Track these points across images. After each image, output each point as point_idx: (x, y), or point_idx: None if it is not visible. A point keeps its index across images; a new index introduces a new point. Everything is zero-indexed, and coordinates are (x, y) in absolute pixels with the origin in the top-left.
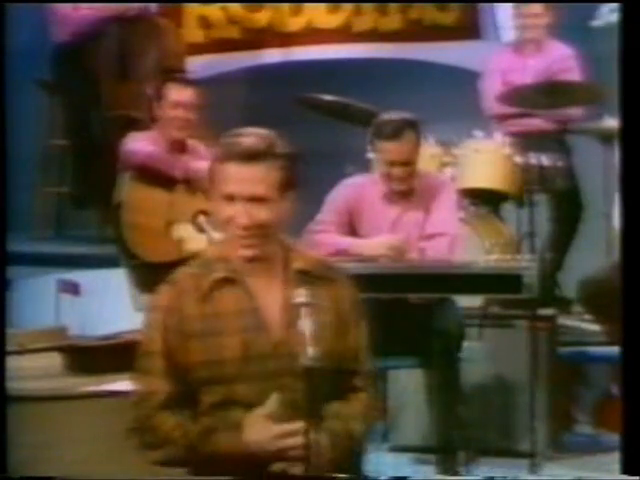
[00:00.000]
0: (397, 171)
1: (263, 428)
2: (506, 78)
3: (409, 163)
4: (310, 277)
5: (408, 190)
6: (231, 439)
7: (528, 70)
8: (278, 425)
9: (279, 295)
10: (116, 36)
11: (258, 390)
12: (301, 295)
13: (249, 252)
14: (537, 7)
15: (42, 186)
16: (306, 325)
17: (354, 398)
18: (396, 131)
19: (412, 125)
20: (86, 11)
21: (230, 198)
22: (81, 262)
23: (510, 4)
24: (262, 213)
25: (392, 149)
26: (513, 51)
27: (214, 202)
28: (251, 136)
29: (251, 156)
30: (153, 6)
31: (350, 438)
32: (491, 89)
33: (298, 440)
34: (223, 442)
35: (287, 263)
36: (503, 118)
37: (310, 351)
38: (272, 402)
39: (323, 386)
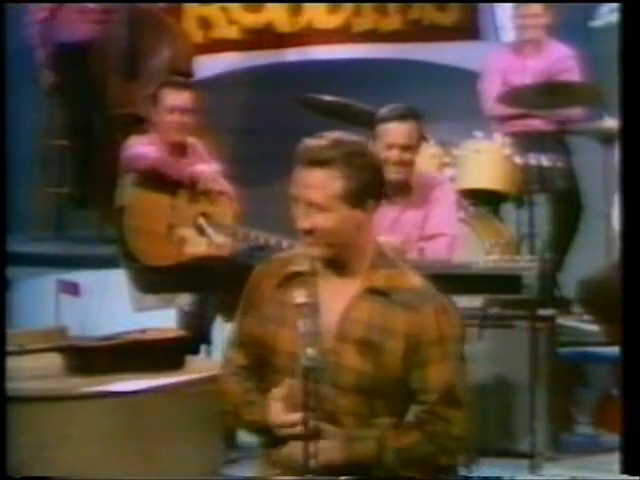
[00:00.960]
0: (395, 154)
1: (274, 412)
2: (506, 78)
3: (408, 148)
4: (384, 299)
5: (405, 183)
6: (261, 413)
7: (528, 70)
8: (284, 414)
9: (342, 305)
10: (125, 34)
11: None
12: (301, 295)
13: (313, 252)
14: (536, 7)
15: (42, 186)
16: (306, 326)
17: (409, 427)
18: (398, 114)
19: (415, 114)
20: (95, 10)
21: (295, 200)
22: (81, 262)
23: (509, 4)
24: (320, 219)
25: (392, 130)
26: (513, 51)
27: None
28: (323, 140)
29: (314, 162)
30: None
31: (374, 456)
32: (490, 90)
33: (299, 430)
34: (256, 414)
35: (362, 276)
36: (503, 119)
37: (309, 352)
38: (284, 387)
39: (364, 403)
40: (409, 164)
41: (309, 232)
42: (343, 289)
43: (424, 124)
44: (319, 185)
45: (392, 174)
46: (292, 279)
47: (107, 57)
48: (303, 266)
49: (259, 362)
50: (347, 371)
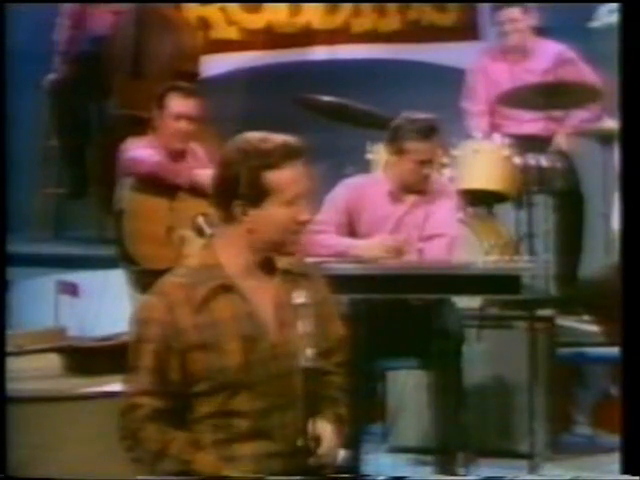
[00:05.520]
0: (427, 171)
1: (206, 462)
2: (492, 86)
3: (431, 162)
4: (292, 275)
5: (423, 191)
6: (186, 463)
7: (517, 77)
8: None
9: (271, 296)
10: (132, 33)
11: (259, 395)
12: (300, 296)
13: (299, 247)
14: (514, 12)
15: (42, 187)
16: (305, 326)
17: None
18: (428, 131)
19: (438, 129)
20: (101, 9)
21: (297, 198)
22: (80, 263)
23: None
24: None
25: (425, 149)
26: (499, 58)
27: (268, 211)
28: (284, 136)
29: (301, 153)
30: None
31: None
32: (475, 96)
33: None
34: (180, 465)
35: (272, 265)
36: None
37: (309, 352)
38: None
39: (318, 382)
40: (430, 176)
41: (307, 223)
42: (261, 280)
43: (444, 137)
44: (306, 177)
45: (417, 187)
46: (212, 296)
47: (115, 55)
48: (216, 280)
49: (186, 398)
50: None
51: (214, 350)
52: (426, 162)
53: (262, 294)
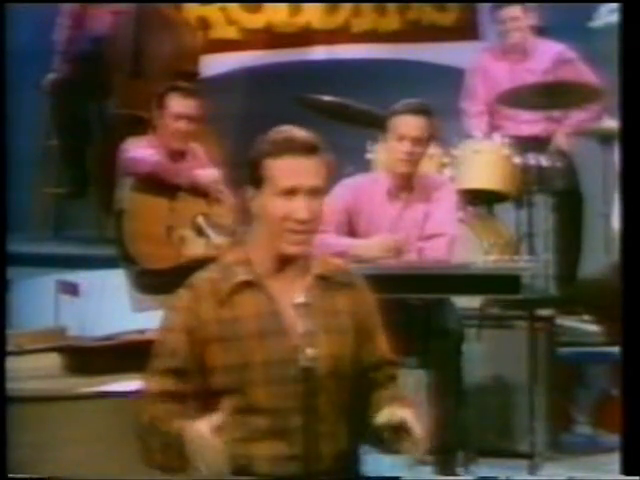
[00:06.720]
0: (406, 147)
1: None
2: (491, 85)
3: (418, 142)
4: (330, 283)
5: (410, 178)
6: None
7: (517, 75)
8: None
9: (298, 299)
10: (131, 32)
11: (277, 395)
12: (301, 296)
13: (299, 249)
14: (515, 10)
15: (41, 186)
16: (305, 326)
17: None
18: (414, 108)
19: (428, 109)
20: (101, 9)
21: (290, 192)
22: (80, 263)
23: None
24: (318, 206)
25: (406, 122)
26: (499, 57)
27: (263, 200)
28: (302, 131)
29: (310, 149)
30: None
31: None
32: (478, 98)
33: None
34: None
35: (307, 267)
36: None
37: (309, 352)
38: (219, 416)
39: (344, 389)
40: (417, 159)
41: (306, 222)
42: (291, 282)
43: (436, 122)
44: (318, 170)
45: (400, 167)
46: (237, 291)
47: (115, 55)
48: (242, 275)
49: (198, 398)
50: (324, 359)
51: (234, 345)
52: (408, 137)
53: (289, 295)
